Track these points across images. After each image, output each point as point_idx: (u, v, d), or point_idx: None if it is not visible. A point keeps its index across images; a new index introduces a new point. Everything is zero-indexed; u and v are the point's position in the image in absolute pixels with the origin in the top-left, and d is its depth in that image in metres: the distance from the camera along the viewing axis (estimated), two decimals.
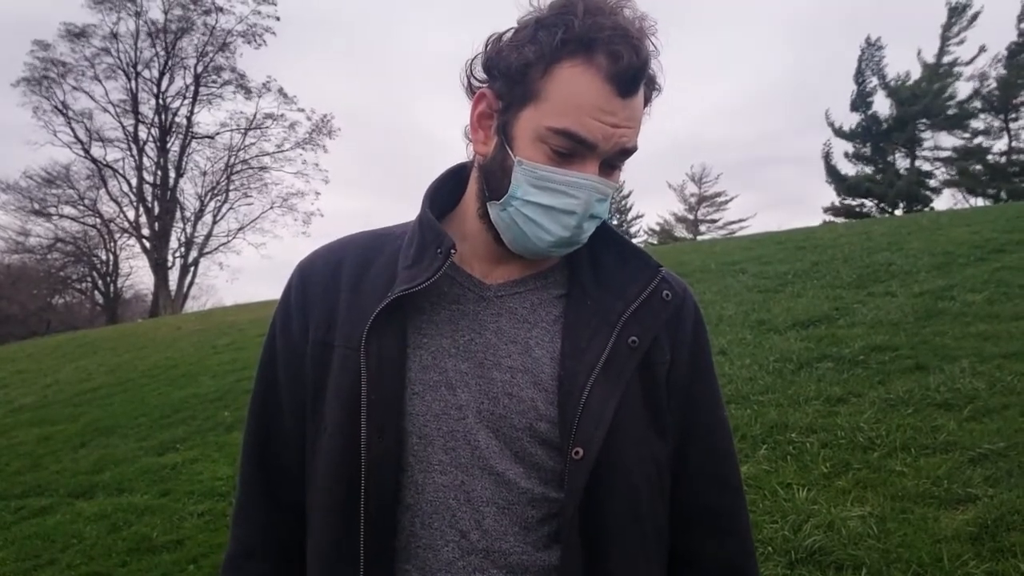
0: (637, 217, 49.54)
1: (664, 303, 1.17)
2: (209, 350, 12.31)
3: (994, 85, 31.05)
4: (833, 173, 34.61)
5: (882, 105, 34.08)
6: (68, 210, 36.12)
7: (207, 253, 37.33)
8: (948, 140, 32.84)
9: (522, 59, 1.05)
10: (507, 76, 1.07)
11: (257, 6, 33.83)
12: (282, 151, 36.45)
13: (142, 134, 35.72)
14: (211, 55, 35.14)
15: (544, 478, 1.10)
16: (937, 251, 8.95)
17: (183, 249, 36.71)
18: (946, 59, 32.36)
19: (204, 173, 36.94)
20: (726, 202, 47.95)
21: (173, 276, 36.17)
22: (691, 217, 48.55)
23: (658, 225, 48.82)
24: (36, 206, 34.89)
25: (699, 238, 41.33)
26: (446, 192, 1.24)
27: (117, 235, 38.50)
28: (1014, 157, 31.55)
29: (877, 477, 3.94)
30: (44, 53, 32.61)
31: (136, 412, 8.81)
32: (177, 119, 36.10)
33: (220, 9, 33.74)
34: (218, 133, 36.37)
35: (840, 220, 30.33)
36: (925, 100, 31.68)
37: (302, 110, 35.91)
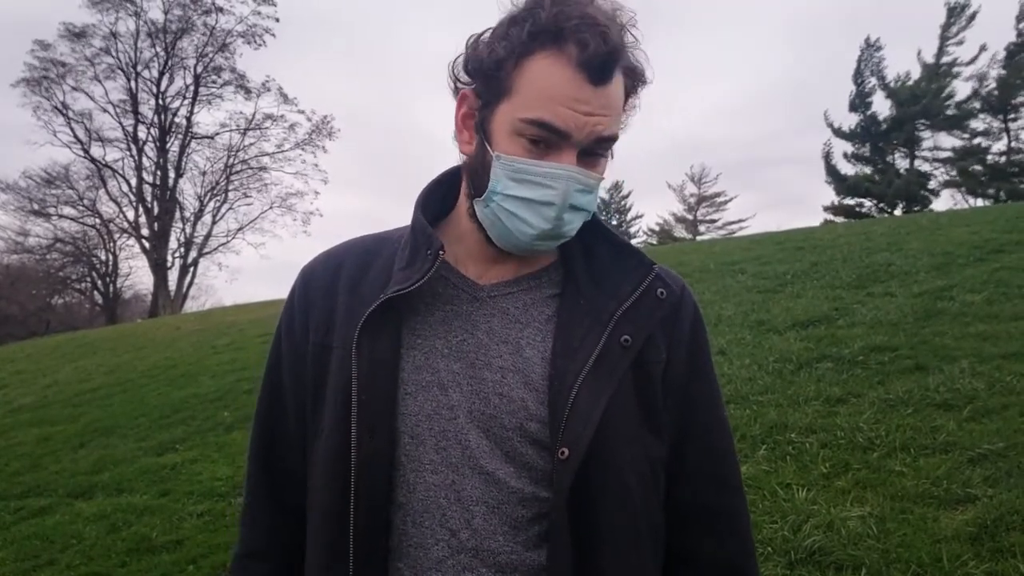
0: (636, 217, 49.68)
1: (659, 301, 1.16)
2: (208, 350, 12.30)
3: (993, 85, 31.09)
4: (833, 173, 34.65)
5: (881, 105, 34.21)
6: (67, 210, 36.19)
7: (206, 253, 37.41)
8: (947, 140, 32.92)
9: (495, 56, 1.07)
10: (483, 74, 1.09)
11: (257, 7, 33.91)
12: (282, 151, 36.49)
13: (142, 134, 35.81)
14: (211, 55, 35.22)
15: (534, 478, 1.10)
16: (936, 251, 8.95)
17: (182, 249, 36.79)
18: (945, 59, 32.43)
19: (203, 173, 37.02)
20: (725, 202, 48.08)
21: (172, 276, 36.26)
22: (690, 217, 48.60)
23: (657, 225, 48.97)
24: (35, 206, 34.95)
25: (698, 238, 41.36)
26: (441, 195, 1.25)
27: (116, 235, 38.56)
28: (1013, 157, 31.59)
29: (877, 477, 3.93)
30: (44, 53, 32.68)
31: (135, 412, 8.81)
32: (177, 119, 36.19)
33: (220, 9, 33.81)
34: (218, 133, 36.46)
35: (840, 220, 30.35)
36: (924, 100, 31.71)
37: (302, 111, 35.98)
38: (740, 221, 46.58)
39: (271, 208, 36.79)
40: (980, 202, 30.71)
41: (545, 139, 1.05)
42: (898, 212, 31.24)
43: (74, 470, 6.92)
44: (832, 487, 3.91)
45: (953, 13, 31.95)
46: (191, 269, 37.05)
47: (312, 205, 47.21)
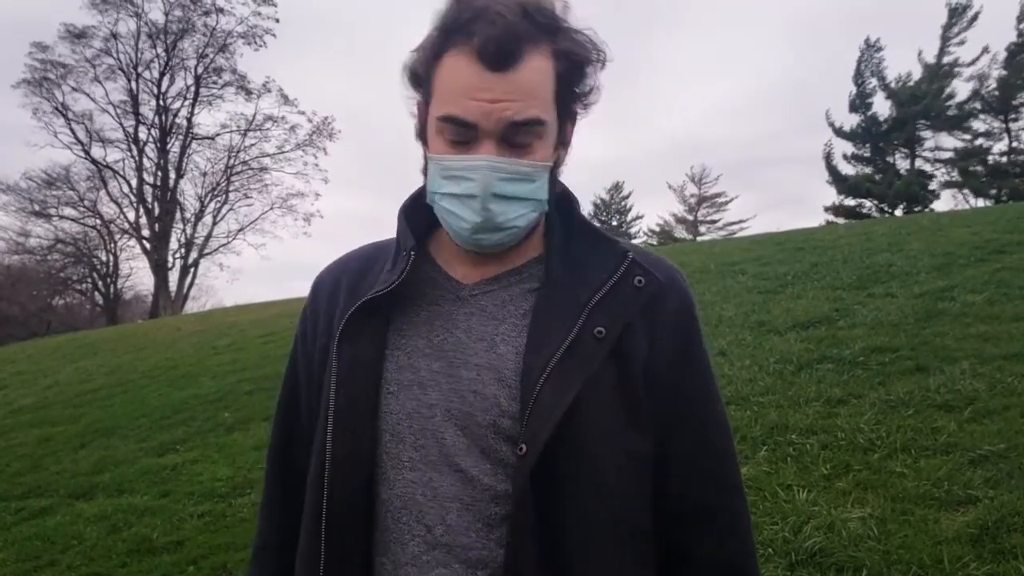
0: (637, 218, 49.68)
1: (637, 290, 1.13)
2: (209, 351, 12.31)
3: (994, 86, 31.08)
4: (834, 173, 34.63)
5: (882, 106, 34.14)
6: (68, 211, 36.19)
7: (207, 254, 37.39)
8: (948, 141, 32.90)
9: (417, 63, 1.12)
10: (415, 82, 1.15)
11: (257, 7, 33.87)
12: (282, 152, 36.50)
13: (142, 135, 35.79)
14: (211, 56, 35.19)
15: (508, 475, 1.10)
16: (937, 252, 8.95)
17: (183, 250, 36.78)
18: (946, 60, 32.39)
19: (204, 174, 36.99)
20: (726, 203, 48.03)
21: (173, 277, 36.25)
22: (691, 218, 48.60)
23: (658, 226, 48.92)
24: (36, 207, 34.94)
25: (699, 239, 41.35)
26: None
27: (117, 236, 38.54)
28: (1014, 158, 31.58)
29: (877, 478, 3.93)
30: (43, 55, 32.68)
31: (136, 413, 8.81)
32: (177, 120, 36.17)
33: (220, 10, 33.77)
34: (218, 134, 36.41)
35: (840, 221, 30.34)
36: (925, 101, 31.70)
37: (303, 112, 35.96)
38: (741, 222, 46.57)
39: (272, 209, 36.80)
40: (981, 202, 30.71)
41: (461, 134, 1.07)
42: (899, 213, 31.23)
43: (75, 471, 6.93)
44: (833, 488, 3.91)
45: (954, 14, 31.95)
46: (192, 270, 37.10)
47: (313, 206, 47.10)
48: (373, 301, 1.15)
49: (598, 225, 1.25)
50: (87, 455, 7.45)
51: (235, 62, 35.40)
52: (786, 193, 73.39)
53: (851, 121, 34.56)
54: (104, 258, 39.89)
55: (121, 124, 35.21)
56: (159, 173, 36.20)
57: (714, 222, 47.95)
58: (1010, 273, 7.49)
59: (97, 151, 35.02)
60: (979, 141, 32.21)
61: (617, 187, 50.28)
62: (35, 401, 11.00)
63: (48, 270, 38.34)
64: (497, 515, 1.10)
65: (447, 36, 1.07)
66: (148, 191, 36.20)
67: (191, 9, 33.74)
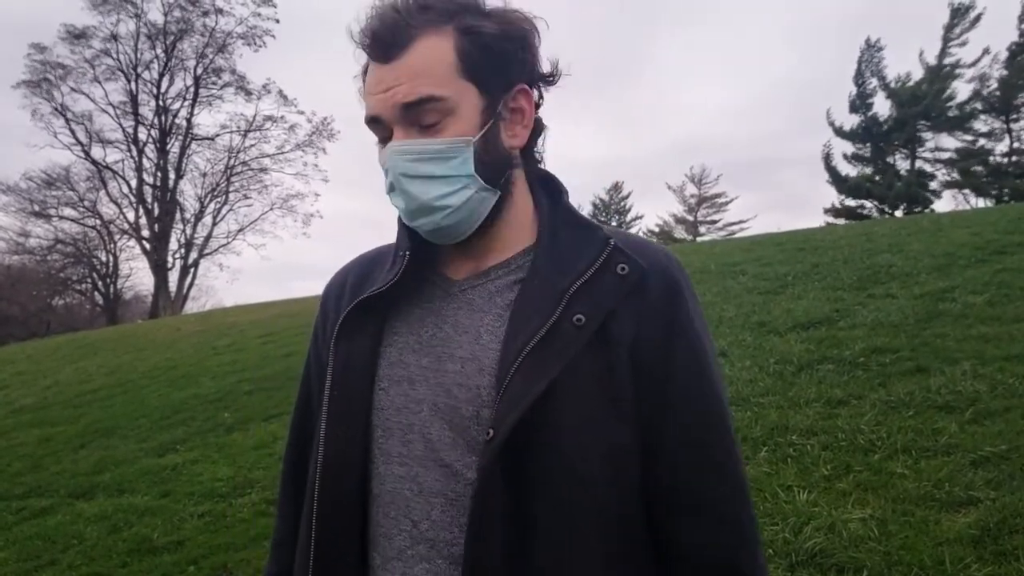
0: (636, 218, 49.60)
1: (620, 277, 1.11)
2: (209, 351, 12.32)
3: (995, 86, 31.07)
4: (834, 174, 34.62)
5: (882, 106, 34.12)
6: (68, 212, 36.20)
7: (207, 254, 37.38)
8: (949, 142, 32.88)
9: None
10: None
11: (257, 8, 33.86)
12: (282, 153, 36.49)
13: (142, 136, 35.80)
14: (211, 57, 35.20)
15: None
16: (938, 252, 8.95)
17: (183, 250, 36.77)
18: (947, 60, 32.38)
19: (204, 175, 36.99)
20: (726, 203, 48.00)
21: (173, 277, 36.25)
22: (691, 218, 48.59)
23: (657, 226, 48.87)
24: (36, 208, 34.94)
25: (699, 239, 41.34)
26: None
27: (117, 236, 38.53)
28: (1015, 158, 31.58)
29: (878, 479, 3.93)
30: (41, 56, 32.69)
31: (136, 413, 8.82)
32: (177, 121, 36.17)
33: (220, 11, 33.78)
34: (218, 135, 36.42)
35: (841, 221, 30.34)
36: (925, 101, 31.69)
37: (302, 112, 36.00)
38: (741, 222, 46.54)
39: (271, 209, 36.79)
40: (982, 202, 30.71)
41: (379, 131, 1.14)
42: (899, 213, 31.22)
43: (75, 471, 6.93)
44: (833, 489, 3.91)
45: (956, 14, 31.92)
46: (191, 270, 37.09)
47: (312, 206, 47.12)
48: (369, 301, 1.18)
49: (584, 214, 1.24)
50: (87, 455, 7.45)
51: (234, 63, 35.46)
52: (786, 194, 73.39)
53: (851, 121, 34.59)
54: (104, 258, 39.93)
55: (121, 125, 35.27)
56: (159, 174, 36.25)
57: (714, 222, 47.96)
58: (1011, 274, 7.48)
59: (97, 152, 35.10)
60: (980, 142, 32.22)
61: (616, 187, 50.28)
62: (35, 401, 11.00)
63: (48, 270, 38.35)
64: None
65: (361, 47, 1.14)
66: (148, 191, 36.26)
67: (190, 10, 33.77)
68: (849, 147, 34.84)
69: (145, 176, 36.10)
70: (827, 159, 34.72)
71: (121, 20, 33.08)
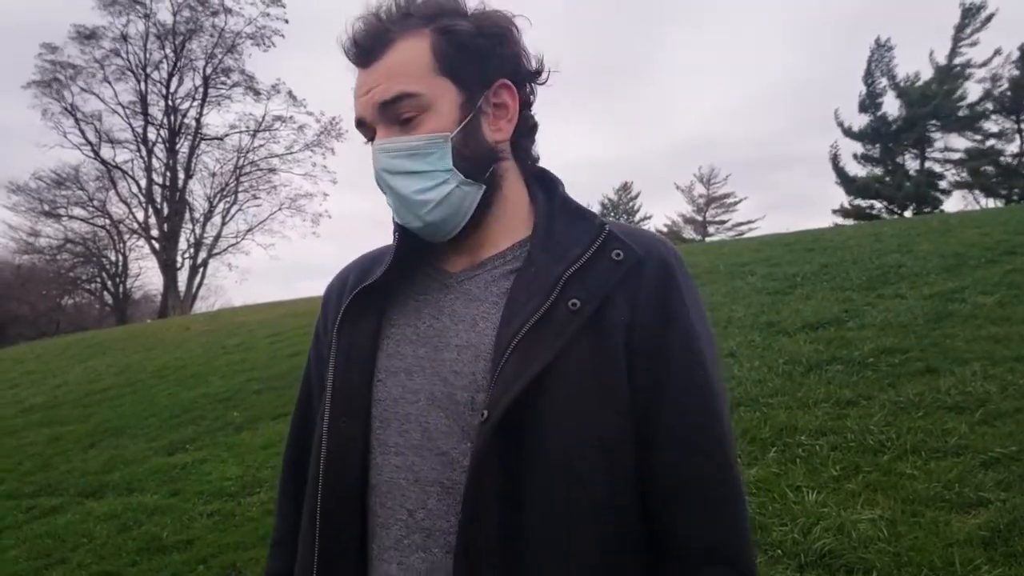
0: (645, 218, 49.61)
1: (615, 263, 1.12)
2: (218, 350, 12.35)
3: (1006, 87, 30.94)
4: (841, 175, 34.53)
5: (892, 106, 34.01)
6: (78, 211, 36.39)
7: (216, 254, 37.50)
8: (959, 142, 32.75)
9: None
10: None
11: (266, 8, 33.94)
12: (291, 153, 36.56)
13: (151, 135, 35.97)
14: (220, 57, 35.30)
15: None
16: (947, 253, 8.91)
17: (192, 250, 36.92)
18: (958, 60, 32.25)
19: (213, 174, 37.12)
20: (735, 203, 47.93)
21: (182, 277, 36.37)
22: (699, 218, 48.53)
23: (666, 226, 48.79)
24: (46, 207, 35.13)
25: (707, 239, 41.27)
26: None
27: (126, 236, 38.75)
28: None
29: (887, 480, 3.92)
30: (52, 56, 32.82)
31: (145, 412, 8.85)
32: (186, 121, 36.32)
33: (229, 11, 33.87)
34: (227, 135, 36.54)
35: (849, 222, 30.24)
36: (935, 101, 31.57)
37: (311, 113, 36.06)
38: (749, 222, 46.48)
39: (280, 209, 36.90)
40: (992, 203, 30.57)
41: (365, 133, 1.19)
42: (908, 214, 31.11)
43: (84, 470, 6.96)
44: (842, 490, 3.90)
45: (968, 14, 31.80)
46: (201, 270, 37.20)
47: (321, 206, 47.31)
48: (368, 293, 1.21)
49: (578, 202, 1.26)
50: (97, 454, 7.48)
51: (243, 63, 35.56)
52: (795, 194, 73.29)
53: (860, 121, 34.49)
54: (113, 258, 40.15)
55: (130, 125, 35.43)
56: (168, 173, 36.37)
57: (723, 222, 47.91)
58: (1021, 275, 7.44)
59: (106, 151, 35.27)
60: (990, 142, 32.08)
61: (626, 187, 50.34)
62: (45, 400, 11.05)
63: (58, 270, 38.54)
64: None
65: (345, 55, 1.19)
66: (157, 191, 36.40)
67: (199, 10, 33.86)
68: (858, 147, 34.79)
69: (154, 176, 36.28)
70: (835, 160, 34.67)
71: (131, 20, 33.29)
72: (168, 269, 35.35)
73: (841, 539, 3.43)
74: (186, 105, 36.10)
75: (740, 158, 78.77)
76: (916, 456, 4.11)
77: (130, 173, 36.02)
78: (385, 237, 1.32)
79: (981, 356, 5.39)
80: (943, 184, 33.13)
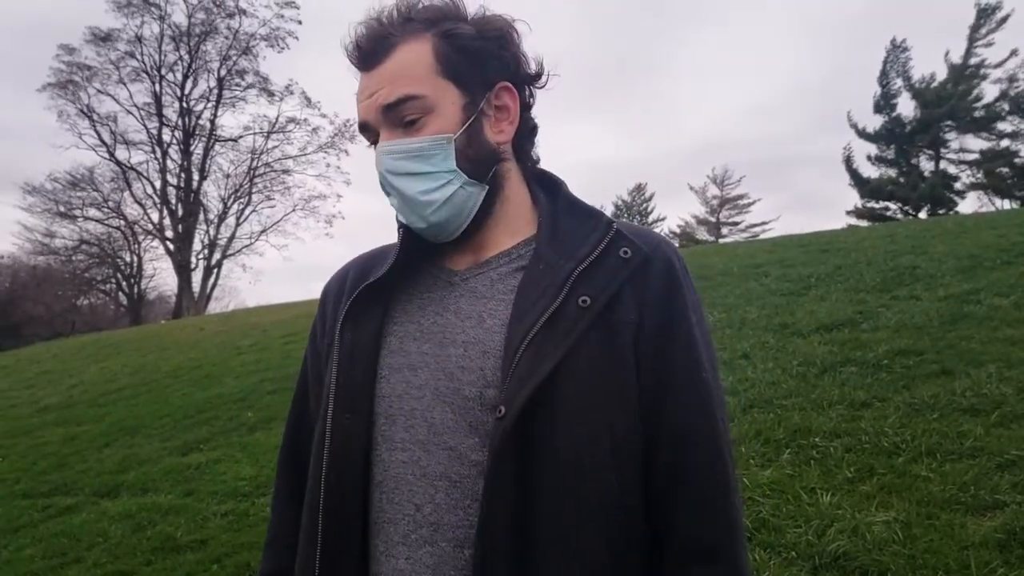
0: (659, 220, 49.49)
1: (623, 260, 1.15)
2: (232, 351, 12.39)
3: (1022, 87, 30.71)
4: (855, 176, 34.33)
5: (906, 107, 33.80)
6: (93, 212, 36.49)
7: (230, 255, 37.57)
8: (975, 143, 32.51)
9: None
10: None
11: (280, 10, 34.00)
12: (305, 154, 36.63)
13: (166, 137, 36.04)
14: (234, 58, 35.39)
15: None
16: (962, 254, 8.86)
17: (206, 251, 37.00)
18: (973, 61, 32.03)
19: (227, 176, 37.19)
20: (748, 204, 47.76)
21: (196, 277, 36.45)
22: (713, 219, 48.36)
23: (679, 227, 48.69)
24: (61, 208, 35.26)
25: (721, 241, 41.14)
26: None
27: (141, 237, 38.85)
28: None
29: (902, 482, 3.90)
30: (69, 57, 32.97)
31: (160, 412, 8.89)
32: (200, 122, 36.39)
33: (243, 12, 33.96)
34: (241, 136, 36.60)
35: (863, 223, 30.08)
36: (951, 102, 31.38)
37: (324, 115, 36.09)
38: (763, 223, 46.29)
39: (294, 210, 36.94)
40: (1007, 204, 30.35)
41: (368, 137, 1.20)
42: (923, 215, 30.93)
43: (100, 469, 7.00)
44: (857, 492, 3.88)
45: (983, 14, 31.58)
46: (215, 270, 37.28)
47: (334, 208, 47.43)
48: (372, 290, 1.22)
49: (584, 201, 1.27)
50: (112, 454, 7.52)
51: (258, 64, 35.62)
52: (810, 195, 73.04)
53: (875, 122, 34.28)
54: (128, 259, 40.31)
55: (145, 126, 35.53)
56: (182, 175, 36.49)
57: (736, 224, 47.74)
58: None
59: (121, 153, 35.38)
60: (1005, 142, 31.84)
61: (639, 188, 50.25)
62: (60, 400, 11.12)
63: (73, 270, 38.75)
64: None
65: (348, 59, 1.21)
66: (172, 192, 36.52)
67: (214, 12, 33.98)
68: (872, 149, 34.57)
69: (169, 177, 36.39)
70: (848, 161, 34.48)
71: (145, 22, 33.37)
72: (182, 270, 35.49)
73: (855, 541, 3.41)
74: (200, 107, 36.25)
75: (754, 159, 78.58)
76: (931, 458, 4.09)
77: (145, 174, 36.18)
78: (395, 238, 1.33)
79: (997, 358, 5.35)
80: (958, 185, 32.91)
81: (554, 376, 1.06)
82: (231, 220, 37.36)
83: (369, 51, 1.16)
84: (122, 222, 37.53)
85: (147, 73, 34.67)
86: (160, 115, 35.50)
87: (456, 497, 1.11)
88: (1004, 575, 3.04)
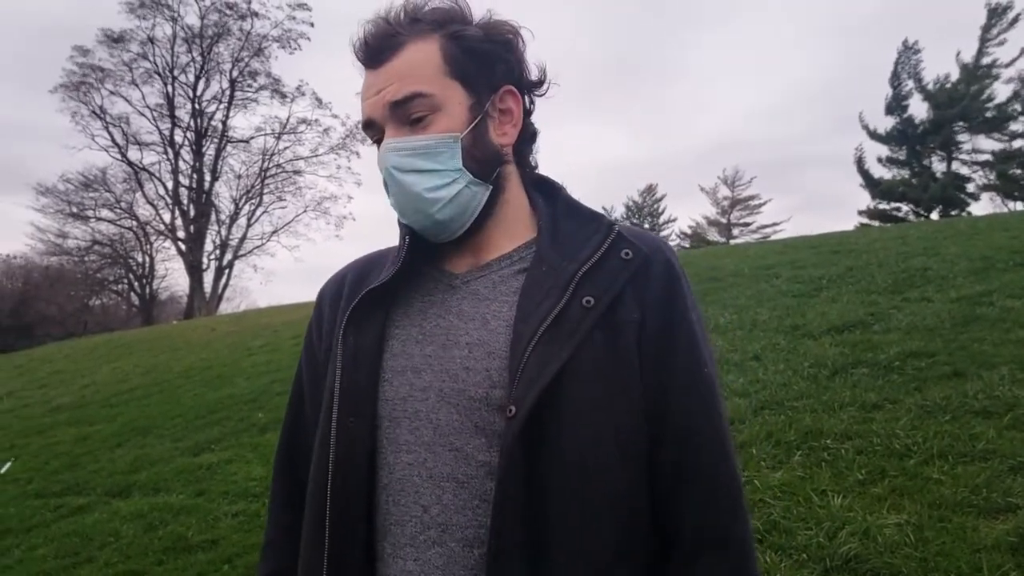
0: (669, 221, 49.41)
1: (624, 262, 1.16)
2: (243, 352, 12.42)
3: None
4: (866, 177, 34.21)
5: (918, 108, 33.65)
6: (105, 213, 36.66)
7: (241, 255, 37.68)
8: (987, 143, 32.34)
9: None
10: None
11: (292, 11, 34.10)
12: (316, 155, 36.71)
13: (178, 138, 36.20)
14: (246, 60, 35.50)
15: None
16: (975, 256, 8.81)
17: (218, 251, 37.13)
18: (985, 61, 31.87)
19: (239, 176, 37.31)
20: (759, 205, 47.62)
21: (208, 278, 36.58)
22: (724, 220, 48.25)
23: (690, 228, 48.61)
24: (74, 209, 35.43)
25: (732, 242, 41.03)
26: None
27: (153, 237, 39.03)
28: None
29: (914, 485, 3.88)
30: (83, 59, 33.14)
31: (172, 413, 8.92)
32: (212, 123, 36.53)
33: (255, 14, 34.07)
34: (253, 137, 36.72)
35: (875, 224, 29.96)
36: (963, 103, 31.22)
37: (336, 116, 36.16)
38: (774, 224, 46.14)
39: (305, 211, 37.04)
40: (1020, 206, 30.18)
41: (373, 133, 1.21)
42: (935, 216, 30.78)
43: (112, 469, 7.03)
44: (868, 494, 3.87)
45: (994, 14, 31.41)
46: (226, 271, 37.40)
47: (345, 209, 47.51)
48: (373, 294, 1.22)
49: (585, 204, 1.29)
50: (124, 454, 7.56)
51: (269, 65, 35.72)
52: (821, 196, 72.77)
53: (886, 123, 34.14)
54: (140, 259, 40.50)
55: (157, 127, 35.71)
56: (194, 175, 36.63)
57: (747, 225, 47.61)
58: None
59: (134, 154, 35.56)
60: (1017, 143, 31.66)
61: (650, 189, 50.16)
62: (73, 400, 11.17)
63: (85, 271, 38.94)
64: (492, 491, 1.10)
65: (355, 56, 1.21)
66: (183, 193, 36.66)
67: (226, 13, 34.10)
68: (883, 150, 34.42)
69: (181, 178, 36.54)
70: (859, 162, 34.37)
71: (158, 24, 33.52)
72: (194, 270, 35.61)
73: (867, 544, 3.40)
74: (212, 108, 36.38)
75: (765, 160, 78.39)
76: (943, 461, 4.07)
77: (157, 175, 36.34)
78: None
79: (1009, 360, 5.33)
80: (970, 187, 32.75)
81: (560, 377, 1.07)
82: (242, 221, 37.53)
83: (377, 48, 1.17)
84: (134, 223, 37.73)
85: (159, 74, 34.86)
86: (172, 116, 35.68)
87: (464, 498, 1.11)
88: None
